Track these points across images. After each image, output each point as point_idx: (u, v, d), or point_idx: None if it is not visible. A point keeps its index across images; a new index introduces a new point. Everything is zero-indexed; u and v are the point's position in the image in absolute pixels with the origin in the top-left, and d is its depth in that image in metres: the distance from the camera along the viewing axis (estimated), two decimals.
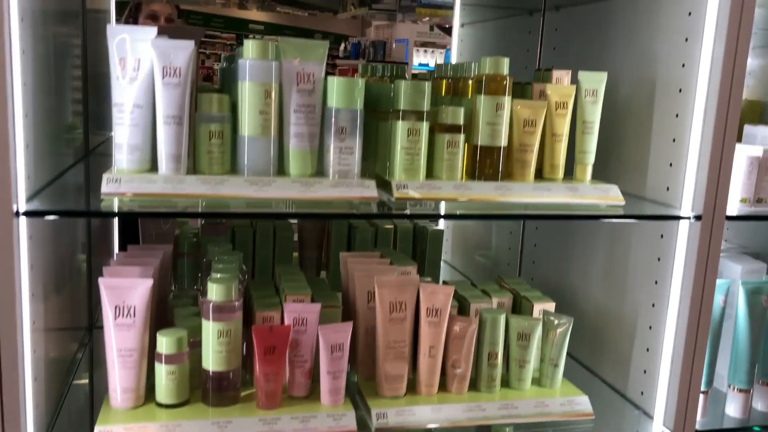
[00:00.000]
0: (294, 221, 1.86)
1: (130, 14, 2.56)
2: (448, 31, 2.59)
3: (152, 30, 1.10)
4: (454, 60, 2.28)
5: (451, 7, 2.33)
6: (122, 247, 1.43)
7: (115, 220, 1.86)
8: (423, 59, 7.22)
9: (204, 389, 1.23)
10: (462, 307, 1.40)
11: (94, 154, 1.56)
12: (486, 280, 1.54)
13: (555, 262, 1.71)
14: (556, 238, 1.70)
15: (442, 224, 2.29)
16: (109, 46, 1.10)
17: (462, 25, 2.20)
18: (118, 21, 1.96)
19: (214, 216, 1.41)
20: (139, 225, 1.76)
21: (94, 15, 1.64)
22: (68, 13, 1.38)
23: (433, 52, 7.17)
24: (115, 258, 1.34)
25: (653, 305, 1.35)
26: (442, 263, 1.94)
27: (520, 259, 1.88)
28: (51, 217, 1.04)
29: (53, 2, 1.23)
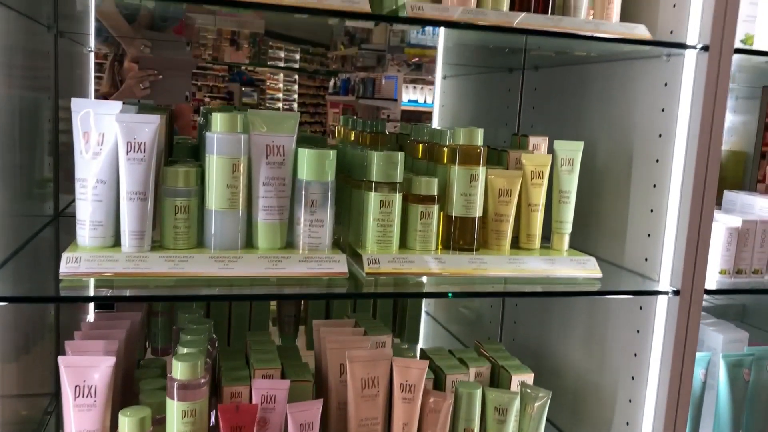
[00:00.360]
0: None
1: (115, 58, 2.55)
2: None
3: (117, 105, 1.08)
4: (436, 109, 2.28)
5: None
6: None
7: None
8: (412, 95, 7.23)
9: None
10: (438, 379, 1.36)
11: (65, 214, 1.53)
12: (468, 337, 1.50)
13: (536, 324, 1.68)
14: (537, 301, 1.67)
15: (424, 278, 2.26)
16: (73, 120, 1.08)
17: (444, 77, 2.20)
18: (100, 63, 1.93)
19: (178, 299, 1.38)
20: None
21: (69, 67, 1.62)
22: (39, 70, 1.36)
23: (422, 88, 7.19)
24: (80, 329, 1.30)
25: (633, 378, 1.32)
26: (423, 315, 1.91)
27: (501, 317, 1.85)
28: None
29: (21, 62, 1.21)
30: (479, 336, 1.83)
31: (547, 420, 1.35)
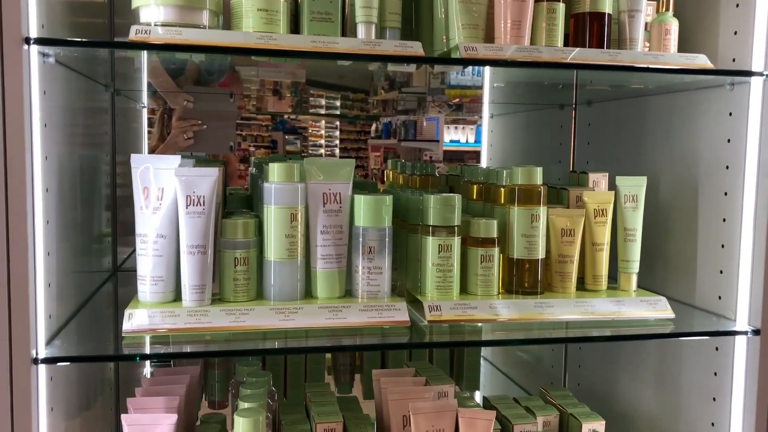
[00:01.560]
0: None
1: (164, 111, 2.60)
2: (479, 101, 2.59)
3: (176, 159, 1.08)
4: (485, 149, 2.26)
5: (480, 87, 2.34)
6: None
7: None
8: (454, 136, 7.25)
9: None
10: (505, 429, 1.31)
11: (123, 269, 1.54)
12: (529, 383, 1.44)
13: (603, 367, 1.61)
14: (603, 344, 1.61)
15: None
16: (133, 175, 1.09)
17: (492, 116, 2.18)
18: (151, 118, 1.97)
19: (238, 354, 1.37)
20: None
21: (125, 124, 1.65)
22: (98, 127, 1.39)
23: (464, 128, 7.21)
24: (141, 386, 1.29)
25: (713, 425, 1.24)
26: (482, 361, 1.85)
27: (564, 361, 1.78)
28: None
29: (82, 120, 1.24)
30: (541, 381, 1.76)
31: None
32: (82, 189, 1.23)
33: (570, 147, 1.74)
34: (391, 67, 2.99)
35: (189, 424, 1.32)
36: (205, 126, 2.43)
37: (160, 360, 1.70)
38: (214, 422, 1.37)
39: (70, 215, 1.14)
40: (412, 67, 2.84)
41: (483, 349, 2.01)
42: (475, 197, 1.44)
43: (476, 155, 2.37)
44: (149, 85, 1.65)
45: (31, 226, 0.94)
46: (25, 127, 0.92)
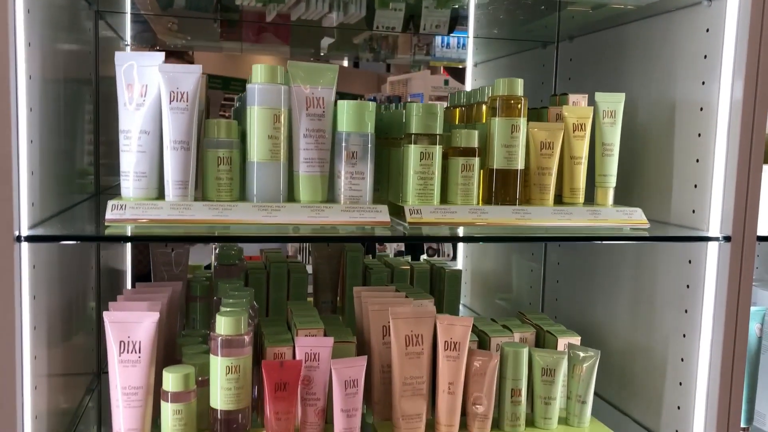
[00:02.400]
0: (309, 265, 1.82)
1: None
2: (462, 78, 2.60)
3: (160, 55, 1.09)
4: None
5: (463, 60, 2.34)
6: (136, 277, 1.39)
7: (127, 259, 1.83)
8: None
9: (212, 430, 1.17)
10: (482, 342, 1.34)
11: (105, 194, 1.54)
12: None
13: (579, 297, 1.64)
14: (579, 272, 1.64)
15: (460, 264, 2.23)
16: (117, 73, 1.09)
17: (475, 65, 2.20)
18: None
19: (222, 240, 1.38)
20: (151, 267, 1.73)
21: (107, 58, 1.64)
22: (82, 44, 1.38)
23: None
24: (123, 293, 1.30)
25: (684, 336, 1.28)
26: (460, 307, 1.88)
27: (542, 297, 1.81)
28: (56, 246, 1.01)
29: (65, 40, 1.23)
30: None
31: (594, 391, 1.31)
32: (65, 111, 1.22)
33: (552, 84, 1.76)
34: (377, 32, 2.97)
35: (170, 336, 1.33)
36: None
37: (138, 279, 1.71)
38: (196, 335, 1.38)
39: (53, 136, 1.13)
40: (398, 29, 2.82)
41: (462, 296, 2.03)
42: (458, 121, 1.47)
43: None
44: (133, 5, 1.64)
45: (15, 116, 0.94)
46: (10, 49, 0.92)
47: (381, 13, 2.00)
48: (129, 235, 1.02)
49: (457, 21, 1.99)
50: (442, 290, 1.75)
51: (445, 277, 1.74)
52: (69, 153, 1.26)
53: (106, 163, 1.55)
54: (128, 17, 1.70)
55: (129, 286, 1.86)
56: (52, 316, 1.11)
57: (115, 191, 1.60)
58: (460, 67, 2.35)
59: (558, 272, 1.74)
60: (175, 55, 2.69)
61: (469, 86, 2.25)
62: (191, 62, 2.68)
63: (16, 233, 0.93)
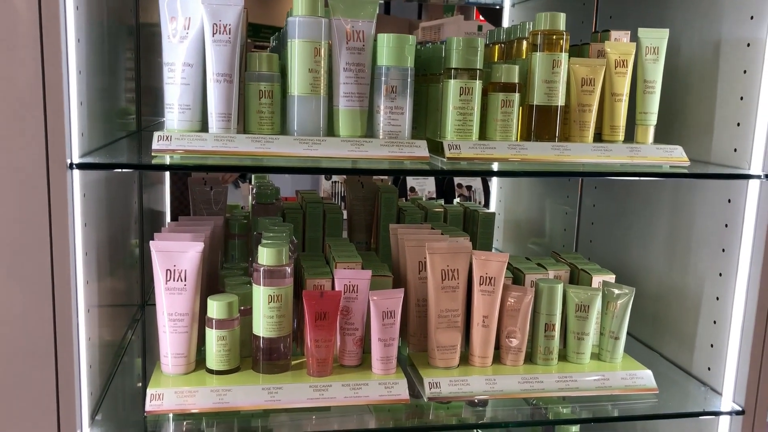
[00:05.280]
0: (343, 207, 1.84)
1: None
2: (498, 22, 2.54)
3: None
4: None
5: (499, 4, 2.28)
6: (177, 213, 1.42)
7: (166, 196, 1.87)
8: None
9: (254, 357, 1.22)
10: (517, 279, 1.36)
11: (146, 131, 1.57)
12: None
13: (614, 239, 1.64)
14: (615, 213, 1.64)
15: (493, 207, 2.24)
16: (160, 6, 1.10)
17: (513, 5, 2.16)
18: None
19: (264, 171, 1.40)
20: (191, 205, 1.77)
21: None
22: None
23: None
24: (166, 226, 1.34)
25: (720, 275, 1.28)
26: (493, 250, 1.89)
27: (576, 239, 1.82)
28: (103, 178, 1.04)
29: None
30: None
31: (629, 333, 1.32)
32: (110, 44, 1.24)
33: (592, 24, 1.73)
34: None
35: (213, 268, 1.37)
36: None
37: (182, 213, 1.75)
38: (237, 269, 1.42)
39: (98, 41, 1.15)
40: None
41: (495, 240, 2.04)
42: (497, 58, 1.45)
43: None
44: None
45: (65, 45, 0.96)
46: None
47: None
48: (176, 163, 1.04)
49: None
50: (475, 232, 1.76)
51: (478, 219, 1.75)
52: (113, 89, 1.28)
53: (147, 105, 1.58)
54: None
55: (167, 219, 1.91)
56: (100, 245, 1.15)
57: (155, 129, 1.63)
58: (497, 7, 2.30)
59: (593, 214, 1.74)
60: None
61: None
62: None
63: (69, 161, 0.96)
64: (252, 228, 1.62)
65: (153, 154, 1.04)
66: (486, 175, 1.54)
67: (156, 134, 1.06)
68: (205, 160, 1.05)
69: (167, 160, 1.05)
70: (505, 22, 2.24)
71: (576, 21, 1.76)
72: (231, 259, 1.69)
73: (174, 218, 1.94)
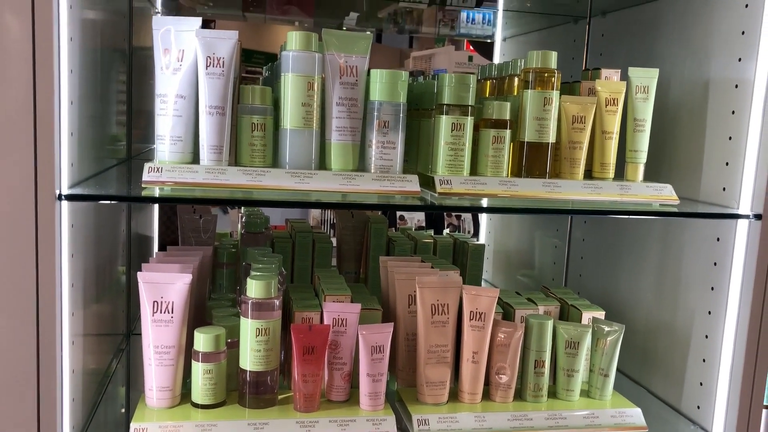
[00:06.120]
0: (332, 236, 1.84)
1: None
2: (488, 53, 2.57)
3: (197, 20, 1.10)
4: None
5: (490, 36, 2.31)
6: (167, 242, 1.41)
7: (155, 225, 1.86)
8: None
9: (241, 391, 1.20)
10: (507, 314, 1.35)
11: (136, 160, 1.56)
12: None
13: (603, 274, 1.65)
14: (605, 248, 1.64)
15: (483, 239, 2.24)
16: (154, 38, 1.10)
17: (504, 39, 2.18)
18: None
19: (256, 204, 1.39)
20: (179, 233, 1.76)
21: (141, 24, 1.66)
22: (116, 12, 1.40)
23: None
24: (154, 256, 1.33)
25: (709, 313, 1.28)
26: (482, 282, 1.89)
27: (566, 273, 1.82)
28: (91, 207, 1.03)
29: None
30: None
31: (618, 368, 1.32)
32: (102, 78, 1.24)
33: (583, 60, 1.75)
34: (404, 3, 2.94)
35: (200, 299, 1.36)
36: None
37: (170, 243, 1.73)
38: (225, 299, 1.41)
39: (91, 98, 1.15)
40: (424, 5, 2.79)
41: (485, 272, 2.04)
42: (488, 94, 1.46)
43: None
44: None
45: (57, 77, 0.95)
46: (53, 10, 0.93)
47: None
48: (166, 196, 1.04)
49: None
50: (464, 264, 1.76)
51: (468, 250, 1.75)
52: (104, 118, 1.28)
53: (137, 130, 1.57)
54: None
55: (157, 251, 1.89)
56: (87, 275, 1.14)
57: (146, 157, 1.63)
58: (488, 42, 2.33)
59: (582, 248, 1.74)
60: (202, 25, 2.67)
61: (497, 61, 2.24)
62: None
63: (58, 192, 0.95)
64: (241, 257, 1.61)
65: (143, 185, 1.03)
66: (476, 211, 1.55)
67: (146, 165, 1.05)
68: (195, 192, 1.05)
69: (156, 192, 1.05)
70: (496, 56, 2.26)
71: (567, 57, 1.78)
72: (219, 289, 1.68)
73: (162, 246, 1.93)
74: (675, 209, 1.21)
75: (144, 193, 1.03)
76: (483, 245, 1.77)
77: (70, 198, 0.97)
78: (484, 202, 1.20)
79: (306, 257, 1.70)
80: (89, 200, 1.01)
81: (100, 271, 1.27)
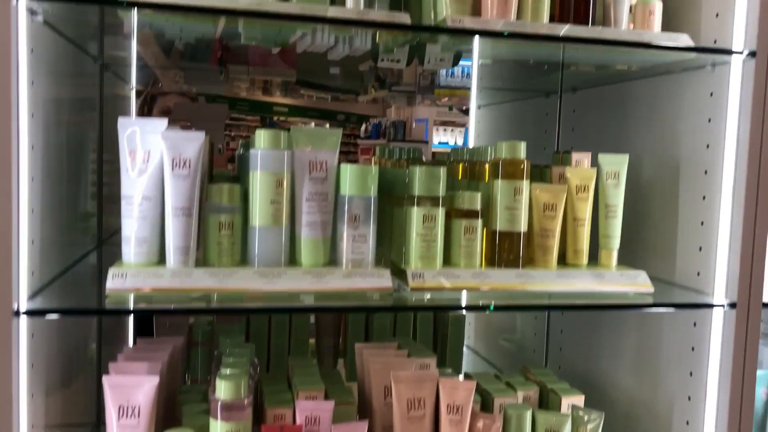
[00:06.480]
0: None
1: (144, 102, 2.58)
2: (466, 111, 2.60)
3: (162, 122, 1.09)
4: (472, 141, 2.27)
5: (468, 88, 2.34)
6: (137, 335, 1.38)
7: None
8: (443, 138, 7.30)
9: None
10: (485, 402, 1.32)
11: (109, 243, 1.54)
12: (512, 368, 1.46)
13: (583, 349, 1.63)
14: (584, 324, 1.63)
15: (464, 303, 2.22)
16: (120, 139, 1.09)
17: (479, 107, 2.20)
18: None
19: (221, 312, 1.37)
20: (153, 318, 1.73)
21: (112, 104, 1.66)
22: (85, 101, 1.39)
23: (452, 130, 7.26)
24: (123, 352, 1.29)
25: (689, 398, 1.26)
26: (464, 349, 1.87)
27: (546, 345, 1.80)
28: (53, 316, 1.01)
29: (69, 92, 1.24)
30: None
31: None
32: (68, 155, 1.23)
33: (555, 134, 1.76)
34: (382, 65, 2.98)
35: (171, 393, 1.32)
36: (193, 128, 2.44)
37: (141, 332, 1.70)
38: (196, 392, 1.37)
39: (56, 178, 1.14)
40: (402, 64, 2.81)
41: (467, 337, 2.02)
42: (460, 177, 1.46)
43: None
44: (139, 59, 1.65)
45: (16, 183, 0.94)
46: (12, 82, 0.92)
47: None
48: (131, 308, 1.02)
49: (461, 56, 2.00)
50: (445, 334, 1.74)
51: (448, 322, 1.73)
52: (71, 210, 1.26)
53: (110, 204, 1.55)
54: (134, 69, 1.71)
55: (131, 331, 1.85)
56: (50, 381, 1.11)
57: (118, 238, 1.60)
58: (464, 108, 2.35)
59: (562, 321, 1.72)
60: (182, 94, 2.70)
61: (473, 127, 2.25)
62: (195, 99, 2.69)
63: (15, 308, 0.93)
64: (216, 335, 1.58)
65: (107, 293, 1.01)
66: (451, 309, 1.53)
67: (111, 271, 1.03)
68: (160, 298, 1.03)
69: (130, 301, 1.02)
70: (472, 121, 2.28)
71: (539, 130, 1.79)
72: (193, 369, 1.64)
73: (137, 325, 1.89)
74: (650, 298, 1.20)
75: (108, 302, 1.01)
76: (463, 316, 1.75)
77: (30, 313, 0.94)
78: (462, 296, 1.19)
79: (282, 333, 1.67)
80: (48, 314, 0.98)
81: (67, 369, 1.23)
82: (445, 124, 7.09)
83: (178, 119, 2.40)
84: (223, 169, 2.10)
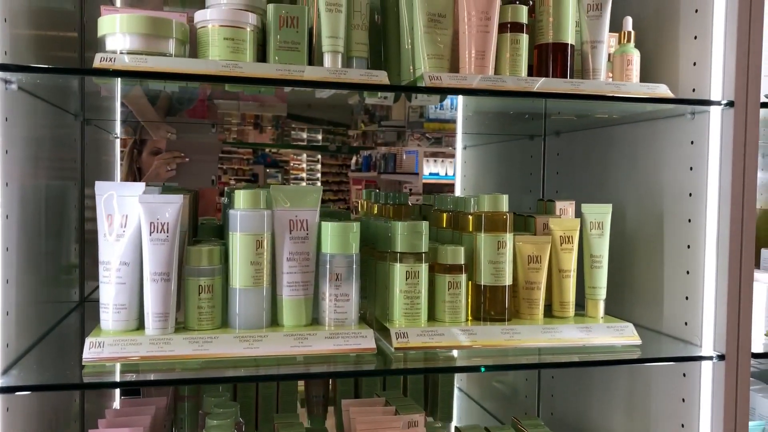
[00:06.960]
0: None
1: (134, 146, 2.56)
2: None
3: (140, 186, 1.08)
4: (458, 180, 2.27)
5: (455, 121, 2.34)
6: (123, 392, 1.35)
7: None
8: (433, 169, 7.31)
9: None
10: None
11: (92, 299, 1.52)
12: (503, 413, 1.44)
13: (574, 396, 1.60)
14: (574, 371, 1.61)
15: (455, 351, 2.20)
16: (97, 203, 1.08)
17: (465, 147, 2.20)
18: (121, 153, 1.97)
19: (202, 382, 1.35)
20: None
21: (95, 155, 1.64)
22: (65, 159, 1.38)
23: (443, 161, 7.28)
24: (105, 417, 1.26)
25: None
26: (456, 392, 1.84)
27: (538, 390, 1.77)
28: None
29: (47, 152, 1.23)
30: (515, 411, 1.75)
31: None
32: (47, 218, 1.22)
33: (540, 176, 1.76)
34: (370, 101, 3.02)
35: None
36: (188, 159, 2.42)
37: (125, 392, 1.67)
38: None
39: (34, 243, 1.13)
40: (390, 101, 2.84)
41: (458, 380, 2.00)
42: (444, 225, 1.45)
43: (454, 188, 2.38)
44: (124, 114, 1.65)
45: None
46: None
47: None
48: (109, 381, 1.00)
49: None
50: (436, 381, 1.72)
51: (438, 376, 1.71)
52: (50, 267, 1.24)
53: (93, 258, 1.53)
54: (118, 123, 1.70)
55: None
56: None
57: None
58: (450, 148, 2.35)
59: (553, 368, 1.70)
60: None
61: (459, 167, 2.25)
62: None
63: None
64: (201, 389, 1.55)
65: (84, 363, 0.99)
66: (439, 372, 1.51)
67: (88, 341, 1.01)
68: (130, 368, 1.01)
69: (116, 375, 1.00)
70: (458, 161, 2.28)
71: (524, 172, 1.79)
72: (180, 423, 1.61)
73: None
74: (638, 350, 1.19)
75: (85, 372, 0.98)
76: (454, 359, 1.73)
77: (3, 390, 0.92)
78: (454, 356, 1.17)
79: (271, 384, 1.64)
80: (23, 391, 0.95)
81: None
82: (435, 155, 7.11)
83: (172, 149, 2.39)
84: (211, 217, 2.09)
